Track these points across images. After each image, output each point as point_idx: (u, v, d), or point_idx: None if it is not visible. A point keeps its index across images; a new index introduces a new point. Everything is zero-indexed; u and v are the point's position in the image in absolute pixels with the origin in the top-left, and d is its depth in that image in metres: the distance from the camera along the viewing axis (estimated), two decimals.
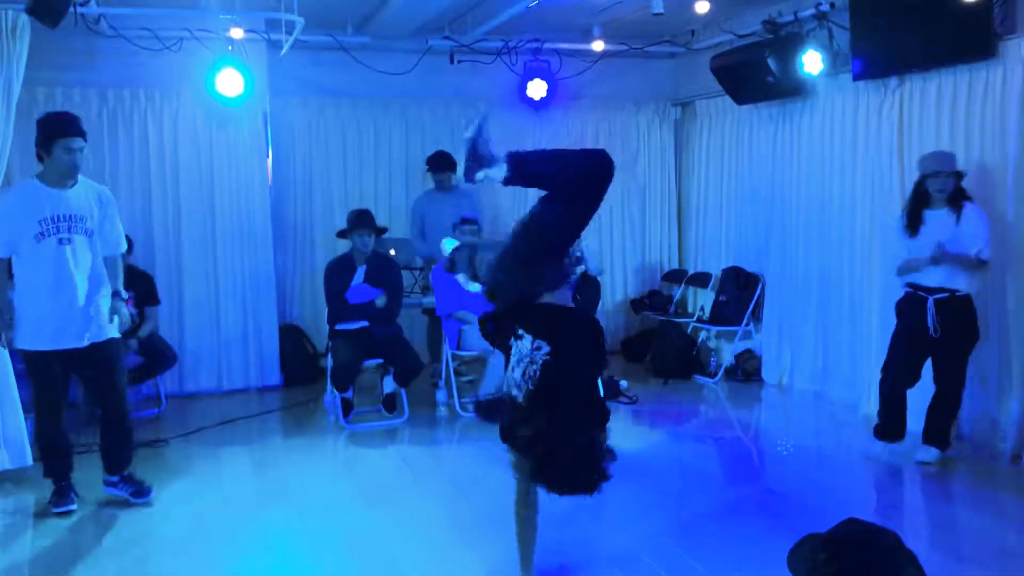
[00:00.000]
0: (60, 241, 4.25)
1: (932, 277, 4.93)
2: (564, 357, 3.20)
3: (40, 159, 4.27)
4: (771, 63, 6.56)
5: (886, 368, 5.17)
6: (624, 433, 6.06)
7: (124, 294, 4.58)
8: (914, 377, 5.08)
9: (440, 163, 7.38)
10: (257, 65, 6.94)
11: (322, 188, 7.77)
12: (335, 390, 6.18)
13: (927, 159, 5.07)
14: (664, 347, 7.54)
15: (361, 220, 6.23)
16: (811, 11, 6.35)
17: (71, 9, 5.40)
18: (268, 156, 7.38)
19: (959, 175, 4.95)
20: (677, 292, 8.34)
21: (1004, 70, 5.16)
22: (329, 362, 6.37)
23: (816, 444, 5.89)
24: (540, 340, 3.22)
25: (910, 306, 5.03)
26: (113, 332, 4.46)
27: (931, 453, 5.04)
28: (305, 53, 7.24)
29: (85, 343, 4.32)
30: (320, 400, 6.77)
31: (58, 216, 4.25)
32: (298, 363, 7.44)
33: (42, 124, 4.31)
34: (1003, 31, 5.13)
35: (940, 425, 5.05)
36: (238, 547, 4.13)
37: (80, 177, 4.39)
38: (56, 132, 4.22)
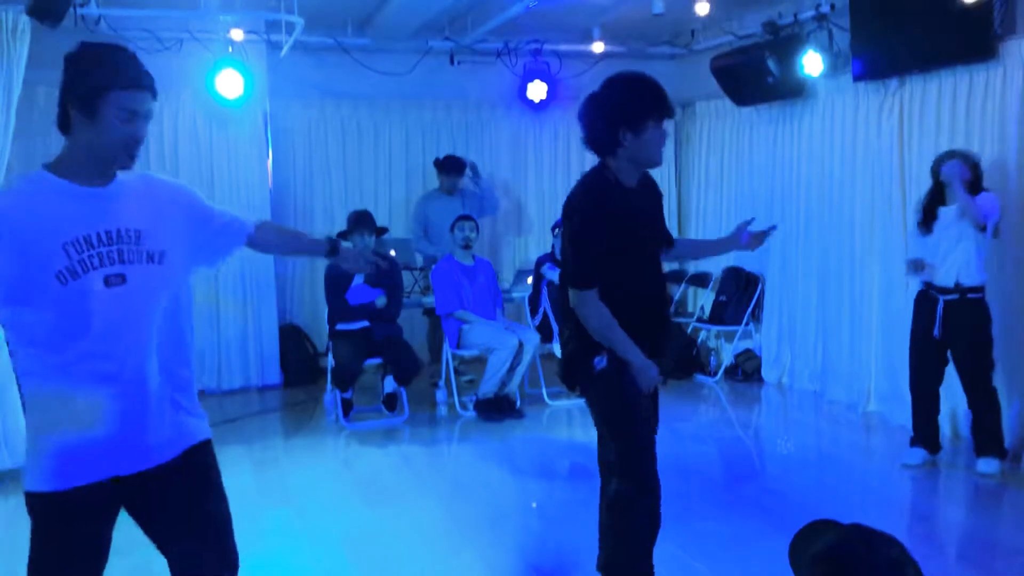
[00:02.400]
0: (107, 280, 2.16)
1: (947, 275, 4.81)
2: None
3: (64, 128, 2.19)
4: (771, 64, 6.57)
5: (910, 369, 5.05)
6: None
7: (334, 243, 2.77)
8: (937, 375, 4.94)
9: (451, 166, 7.39)
10: (257, 66, 6.95)
11: (322, 189, 7.78)
12: (336, 390, 6.18)
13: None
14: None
15: (361, 221, 6.24)
16: (811, 12, 6.36)
17: (71, 9, 5.40)
18: (268, 157, 7.38)
19: (970, 161, 4.78)
20: (677, 292, 8.34)
21: (1004, 70, 5.17)
22: (330, 362, 6.38)
23: (816, 444, 5.89)
24: None
25: (921, 305, 4.98)
26: (206, 431, 2.43)
27: (991, 465, 4.78)
28: (305, 54, 7.25)
29: (153, 462, 2.27)
30: (320, 400, 6.77)
31: (100, 235, 2.17)
32: (298, 363, 7.45)
33: (80, 60, 2.17)
34: (1003, 32, 5.13)
35: (985, 432, 4.82)
36: (238, 546, 4.12)
37: None
38: (110, 78, 2.14)
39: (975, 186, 4.76)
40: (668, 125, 8.62)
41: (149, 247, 2.24)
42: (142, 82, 2.18)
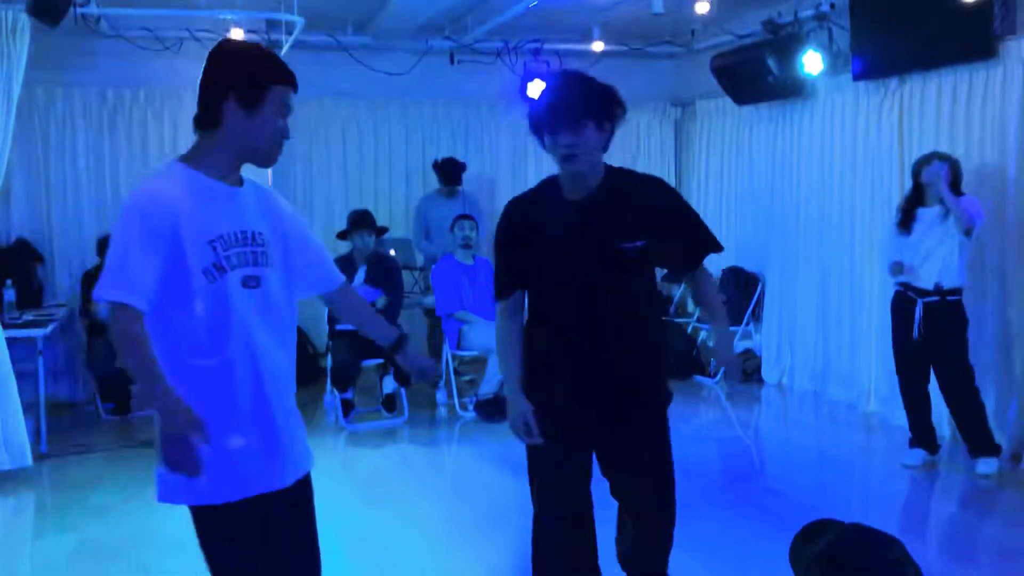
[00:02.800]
0: (245, 281, 2.12)
1: (927, 277, 4.80)
2: None
3: (210, 123, 2.13)
4: (771, 63, 6.56)
5: (897, 373, 5.07)
6: None
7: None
8: (924, 376, 4.94)
9: (449, 171, 7.36)
10: None
11: (322, 188, 7.78)
12: (335, 390, 6.17)
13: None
14: None
15: (362, 220, 6.24)
16: (811, 11, 6.35)
17: (71, 9, 5.40)
18: None
19: (952, 162, 4.79)
20: (677, 292, 8.33)
21: (1004, 70, 5.16)
22: (329, 362, 6.37)
23: (816, 444, 5.88)
24: None
25: (899, 307, 4.96)
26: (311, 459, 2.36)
27: (989, 464, 4.75)
28: (305, 53, 7.22)
29: (288, 481, 2.22)
30: (320, 400, 6.77)
31: (236, 235, 2.13)
32: (298, 363, 7.38)
33: (239, 55, 2.20)
34: (1003, 31, 5.13)
35: (975, 432, 4.80)
36: None
37: None
38: (274, 73, 2.14)
39: (955, 188, 4.74)
40: (669, 124, 8.45)
41: (273, 253, 2.20)
42: (294, 80, 2.18)
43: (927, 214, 4.84)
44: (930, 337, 4.81)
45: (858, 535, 1.65)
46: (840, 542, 1.64)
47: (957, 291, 4.79)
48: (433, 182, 7.66)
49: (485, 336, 6.33)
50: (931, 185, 4.76)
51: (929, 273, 4.79)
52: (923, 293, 4.81)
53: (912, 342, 4.87)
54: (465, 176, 7.61)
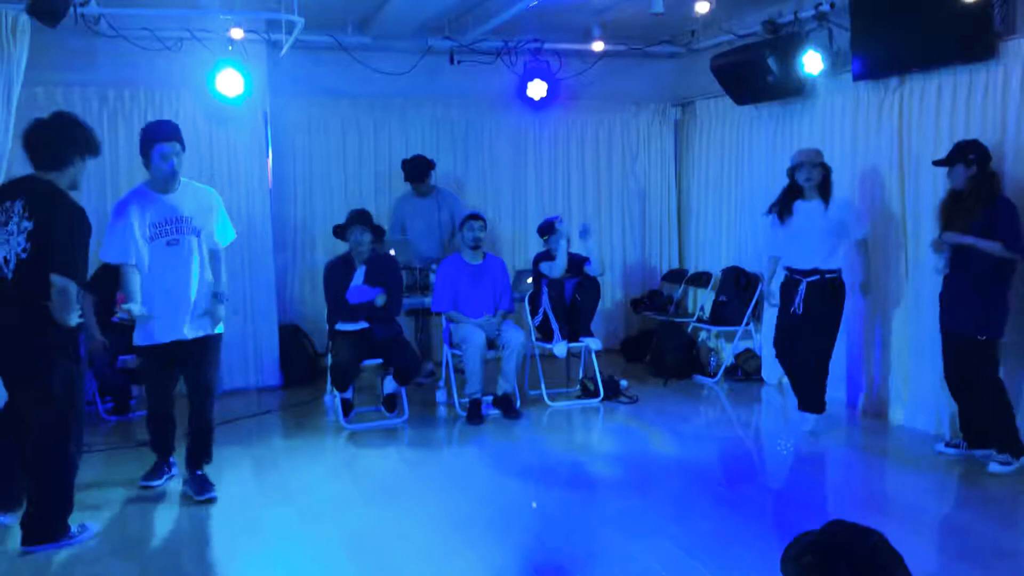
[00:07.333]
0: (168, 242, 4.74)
1: (805, 260, 5.54)
2: None
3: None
4: (771, 63, 6.57)
5: (776, 344, 5.85)
6: (624, 433, 6.06)
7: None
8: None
9: (416, 170, 7.34)
10: (257, 65, 6.95)
11: (322, 188, 7.78)
12: (335, 390, 6.18)
13: (796, 153, 5.72)
14: (664, 347, 7.55)
15: (359, 219, 6.24)
16: (811, 11, 6.36)
17: (71, 9, 5.41)
18: (268, 156, 7.38)
19: (824, 167, 5.57)
20: (677, 292, 8.34)
21: (1004, 70, 5.16)
22: (329, 362, 6.37)
23: (816, 444, 5.88)
24: None
25: (788, 288, 5.68)
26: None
27: (817, 422, 5.74)
28: (305, 53, 7.24)
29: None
30: (320, 400, 6.77)
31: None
32: (298, 363, 7.44)
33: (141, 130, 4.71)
34: (1003, 31, 5.14)
35: (813, 392, 5.76)
36: (238, 547, 4.13)
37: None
38: (151, 138, 4.60)
39: (826, 185, 5.57)
40: (669, 124, 8.46)
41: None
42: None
43: (805, 206, 5.59)
44: (805, 311, 5.64)
45: (840, 526, 1.70)
46: (825, 533, 1.69)
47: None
48: (434, 182, 7.64)
49: (472, 335, 6.30)
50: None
51: (810, 257, 5.56)
52: (805, 274, 5.59)
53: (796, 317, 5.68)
54: (466, 176, 7.61)
